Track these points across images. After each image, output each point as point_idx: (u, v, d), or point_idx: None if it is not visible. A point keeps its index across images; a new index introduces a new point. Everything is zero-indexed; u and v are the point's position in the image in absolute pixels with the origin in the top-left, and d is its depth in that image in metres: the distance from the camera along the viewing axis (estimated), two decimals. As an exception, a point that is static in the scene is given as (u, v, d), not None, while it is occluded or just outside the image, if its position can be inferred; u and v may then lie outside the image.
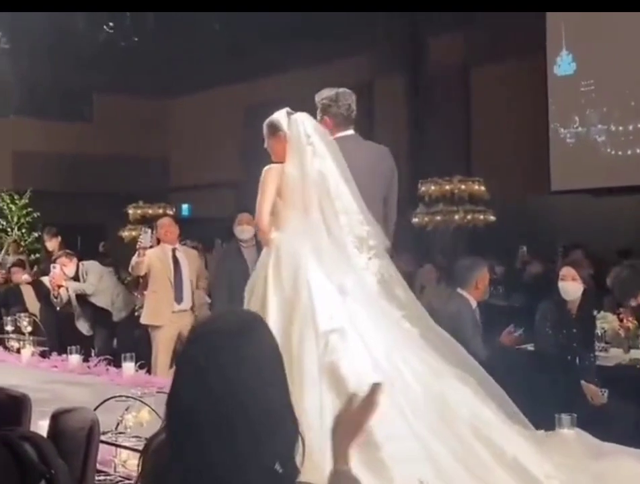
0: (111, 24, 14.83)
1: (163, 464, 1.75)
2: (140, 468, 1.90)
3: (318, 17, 13.90)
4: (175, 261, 7.60)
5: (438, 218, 12.59)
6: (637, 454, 3.87)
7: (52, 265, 8.45)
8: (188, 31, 14.55)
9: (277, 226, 3.93)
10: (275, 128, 4.06)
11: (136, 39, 15.18)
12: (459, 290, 5.88)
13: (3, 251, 14.14)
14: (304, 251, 3.79)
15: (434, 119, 15.58)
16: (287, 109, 4.08)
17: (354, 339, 3.56)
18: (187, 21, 14.05)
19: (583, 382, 5.52)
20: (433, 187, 12.60)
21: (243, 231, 7.27)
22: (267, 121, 4.14)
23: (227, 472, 1.66)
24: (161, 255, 7.65)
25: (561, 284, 5.77)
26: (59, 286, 8.39)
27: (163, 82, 17.88)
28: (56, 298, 8.50)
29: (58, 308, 8.64)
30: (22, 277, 10.11)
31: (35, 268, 11.25)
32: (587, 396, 5.51)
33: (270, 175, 3.99)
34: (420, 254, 12.65)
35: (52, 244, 9.63)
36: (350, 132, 4.51)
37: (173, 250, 7.67)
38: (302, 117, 4.02)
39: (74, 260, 8.62)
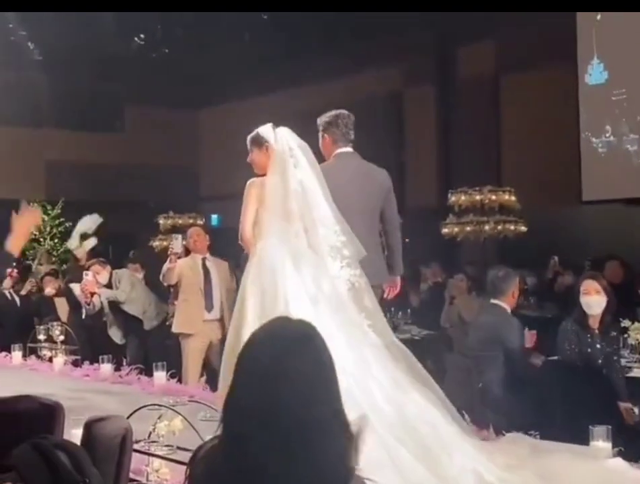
0: (142, 36, 14.97)
1: (214, 468, 1.79)
2: (187, 477, 1.93)
3: (348, 28, 13.94)
4: (206, 271, 7.62)
5: (468, 228, 12.52)
6: (579, 450, 3.93)
7: (84, 273, 8.50)
8: (218, 43, 14.64)
9: (260, 235, 4.15)
10: (261, 141, 4.30)
11: (166, 50, 15.32)
12: (495, 301, 5.85)
13: (36, 261, 14.28)
14: (283, 260, 3.97)
15: (464, 129, 15.53)
16: (271, 124, 4.31)
17: None
18: (216, 32, 14.13)
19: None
20: (463, 198, 12.53)
21: None
22: (252, 134, 4.39)
23: (279, 475, 1.69)
24: (191, 264, 7.68)
25: (584, 299, 5.58)
26: (92, 293, 8.44)
27: (192, 93, 17.98)
28: (89, 305, 8.55)
29: (83, 316, 8.68)
30: (52, 287, 10.18)
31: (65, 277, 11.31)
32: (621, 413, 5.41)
33: (253, 187, 4.29)
34: (450, 264, 12.60)
35: (80, 252, 9.65)
36: (348, 149, 4.83)
37: (203, 259, 7.69)
38: (286, 132, 4.26)
39: (108, 268, 8.67)
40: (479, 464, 3.61)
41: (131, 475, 3.58)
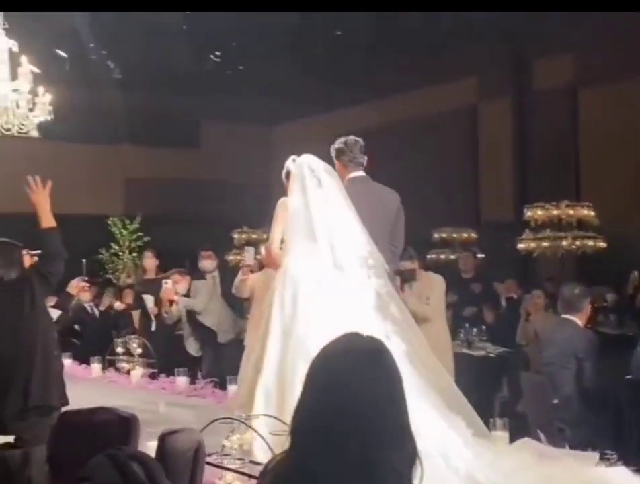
0: (217, 53, 15.19)
1: (281, 479, 1.84)
2: None
3: (423, 41, 13.90)
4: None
5: (545, 244, 12.31)
6: (583, 456, 3.93)
7: (163, 281, 8.62)
8: (292, 58, 14.75)
9: (286, 252, 4.48)
10: (287, 172, 4.75)
11: (241, 67, 15.50)
12: (568, 316, 5.75)
13: (124, 274, 14.59)
14: (306, 277, 4.28)
15: (541, 142, 15.32)
16: (293, 156, 4.73)
17: None
18: (291, 47, 14.25)
19: None
20: (539, 212, 12.33)
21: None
22: (284, 170, 4.80)
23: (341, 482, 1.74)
24: (263, 278, 7.72)
25: None
26: (170, 302, 8.57)
27: (267, 109, 18.15)
28: (167, 313, 8.68)
29: (152, 328, 8.79)
30: (130, 300, 10.35)
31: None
32: None
33: (281, 207, 4.62)
34: (526, 280, 12.42)
35: (149, 262, 9.67)
36: (360, 173, 5.18)
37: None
38: (307, 157, 4.61)
39: (187, 278, 8.78)
40: (476, 469, 3.67)
41: (205, 488, 3.62)
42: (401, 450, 1.80)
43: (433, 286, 6.75)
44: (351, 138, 5.32)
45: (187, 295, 8.67)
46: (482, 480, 3.64)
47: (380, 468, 1.75)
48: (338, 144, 5.32)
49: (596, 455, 3.86)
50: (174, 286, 8.54)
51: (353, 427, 1.76)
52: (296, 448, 1.83)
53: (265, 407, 4.14)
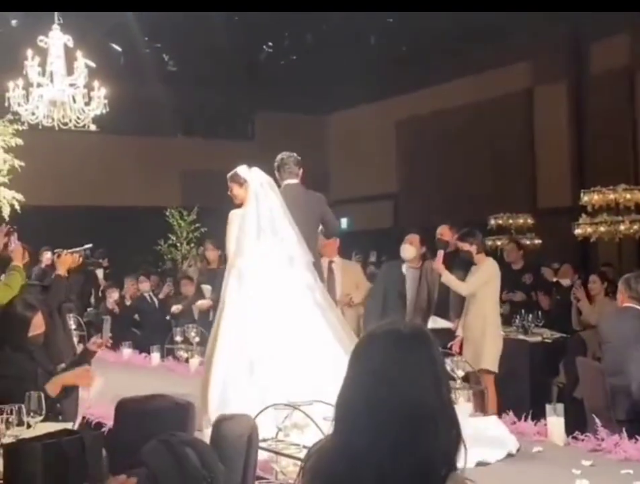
0: (270, 44, 15.25)
1: (324, 459, 1.88)
2: (301, 469, 2.01)
3: (477, 27, 13.78)
4: (330, 273, 7.67)
5: (602, 228, 12.13)
6: None
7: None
8: (344, 47, 14.74)
9: (240, 253, 5.18)
10: (239, 180, 5.38)
11: (294, 57, 15.53)
12: (628, 304, 5.68)
13: (186, 263, 14.77)
14: (254, 274, 5.10)
15: (597, 126, 15.07)
16: (246, 165, 5.42)
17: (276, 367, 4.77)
18: (342, 37, 14.23)
19: None
20: (596, 197, 12.15)
21: (405, 250, 7.38)
22: (231, 173, 5.45)
23: (384, 465, 1.77)
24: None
25: None
26: None
27: (320, 98, 18.17)
28: None
29: (212, 317, 8.87)
30: (189, 290, 10.47)
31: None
32: None
33: (235, 216, 5.31)
34: (583, 266, 12.27)
35: (212, 255, 9.82)
36: (294, 181, 6.30)
37: (330, 262, 7.75)
38: (258, 171, 5.40)
39: None
40: None
41: (260, 473, 3.67)
42: (447, 431, 1.82)
43: (481, 267, 6.77)
44: (286, 153, 6.47)
45: None
46: None
47: (426, 449, 1.78)
48: (276, 161, 6.43)
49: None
50: None
51: (398, 409, 1.79)
52: (340, 430, 1.86)
53: (220, 402, 4.77)
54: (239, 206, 5.40)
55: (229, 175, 5.46)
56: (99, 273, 12.42)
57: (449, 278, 6.83)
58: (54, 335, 4.51)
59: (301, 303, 5.10)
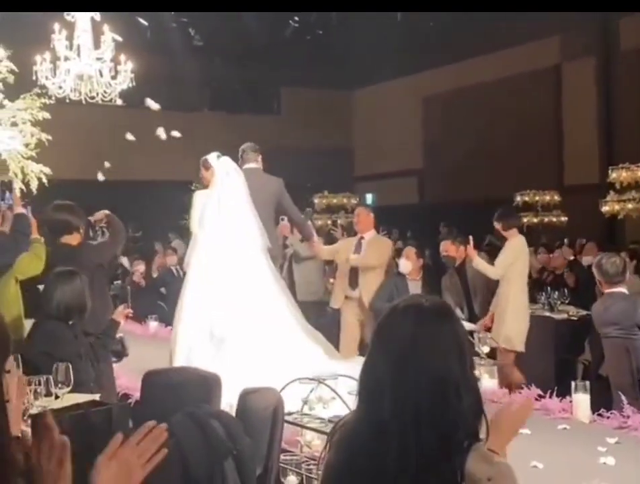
0: (296, 18, 15.17)
1: (349, 432, 1.92)
2: (327, 443, 2.04)
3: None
4: (358, 250, 7.65)
5: (630, 206, 12.03)
6: None
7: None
8: (370, 22, 14.63)
9: (202, 228, 5.61)
10: (208, 165, 5.88)
11: (320, 32, 15.45)
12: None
13: None
14: (219, 244, 5.49)
15: (626, 102, 14.90)
16: (217, 153, 5.90)
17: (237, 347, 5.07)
18: (369, 13, 14.12)
19: None
20: (624, 174, 12.04)
21: (403, 265, 7.50)
22: (203, 158, 5.98)
23: (408, 436, 1.80)
24: (347, 243, 7.80)
25: None
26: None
27: (346, 74, 18.09)
28: None
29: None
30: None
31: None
32: None
33: (199, 196, 5.84)
34: (611, 243, 12.18)
35: None
36: (253, 165, 6.72)
37: (360, 238, 7.71)
38: (226, 160, 5.82)
39: None
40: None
41: (285, 446, 3.69)
42: (469, 404, 1.83)
43: (507, 246, 6.80)
44: (248, 143, 7.01)
45: None
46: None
47: (449, 421, 1.80)
48: (239, 150, 6.90)
49: None
50: None
51: (422, 381, 1.81)
52: (365, 403, 1.88)
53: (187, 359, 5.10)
54: (204, 188, 5.98)
55: (201, 159, 6.02)
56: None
57: (479, 262, 6.88)
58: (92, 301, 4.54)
59: (261, 281, 5.51)
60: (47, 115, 8.76)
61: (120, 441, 1.64)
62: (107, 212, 5.70)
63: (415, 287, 7.34)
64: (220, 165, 5.79)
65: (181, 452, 2.70)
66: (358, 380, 1.94)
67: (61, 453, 1.57)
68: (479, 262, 6.86)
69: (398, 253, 8.53)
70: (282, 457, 3.35)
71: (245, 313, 5.24)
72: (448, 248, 7.77)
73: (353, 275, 7.57)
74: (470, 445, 1.82)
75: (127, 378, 5.11)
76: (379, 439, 1.82)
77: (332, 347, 5.75)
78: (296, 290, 8.31)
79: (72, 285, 4.43)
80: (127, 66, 8.47)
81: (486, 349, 5.07)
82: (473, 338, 4.99)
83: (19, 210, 5.78)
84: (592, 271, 5.70)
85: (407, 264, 7.46)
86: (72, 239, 5.25)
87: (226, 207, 5.61)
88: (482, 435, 1.88)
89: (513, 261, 6.79)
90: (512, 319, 6.71)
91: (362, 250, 7.66)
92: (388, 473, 1.81)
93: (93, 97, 8.47)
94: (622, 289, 5.53)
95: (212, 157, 5.91)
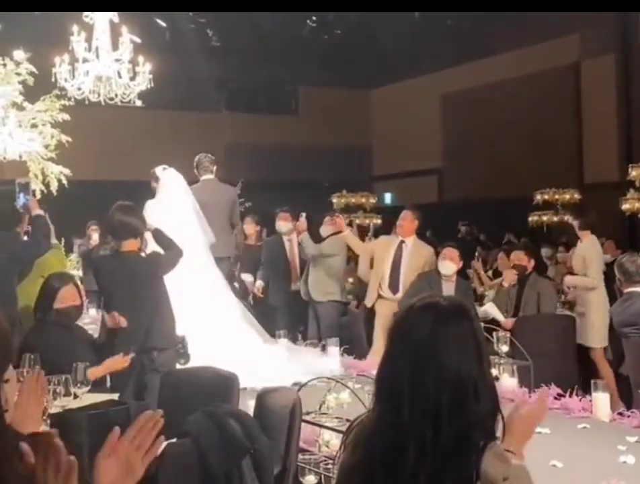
0: (314, 18, 15.17)
1: (365, 432, 1.91)
2: (342, 443, 2.04)
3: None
4: (398, 253, 7.57)
5: (650, 204, 11.96)
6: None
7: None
8: (388, 22, 14.61)
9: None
10: (156, 177, 6.45)
11: (338, 31, 15.44)
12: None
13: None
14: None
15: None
16: (164, 166, 6.50)
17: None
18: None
19: None
20: (645, 171, 11.95)
21: (445, 266, 7.23)
22: (152, 171, 6.50)
23: (425, 436, 1.79)
24: (386, 243, 7.78)
25: None
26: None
27: (364, 73, 18.06)
28: None
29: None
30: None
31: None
32: None
33: (149, 206, 6.17)
34: (632, 242, 12.12)
35: (250, 228, 9.98)
36: (209, 176, 7.57)
37: (401, 242, 7.62)
38: (171, 172, 6.47)
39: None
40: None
41: (304, 446, 3.69)
42: (486, 403, 1.83)
43: (585, 252, 7.27)
44: (202, 154, 7.70)
45: None
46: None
47: (466, 420, 1.80)
48: (195, 160, 7.67)
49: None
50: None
51: (440, 380, 1.81)
52: (382, 402, 1.88)
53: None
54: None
55: (150, 171, 6.55)
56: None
57: (569, 279, 7.54)
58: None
59: (198, 273, 6.12)
60: (67, 116, 8.83)
61: (117, 437, 1.65)
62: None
63: (448, 288, 7.14)
64: (165, 176, 6.45)
65: (199, 450, 2.71)
66: (375, 380, 1.94)
67: (68, 471, 1.57)
68: (570, 279, 7.22)
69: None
70: (300, 456, 3.36)
71: (184, 305, 5.55)
72: (520, 257, 7.76)
73: (394, 278, 7.52)
74: (487, 444, 1.81)
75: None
76: (397, 439, 1.82)
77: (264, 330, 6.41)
78: (310, 290, 8.28)
79: None
80: (145, 68, 8.49)
81: (505, 348, 5.06)
82: (492, 337, 4.98)
83: (38, 211, 5.86)
84: (611, 268, 5.71)
85: (450, 266, 7.19)
86: (134, 245, 5.10)
87: (172, 211, 6.20)
88: (498, 434, 1.88)
89: (589, 265, 7.29)
90: (596, 317, 7.21)
91: (404, 254, 7.57)
92: (404, 473, 1.81)
93: (112, 98, 8.50)
94: None
95: (159, 170, 6.54)
